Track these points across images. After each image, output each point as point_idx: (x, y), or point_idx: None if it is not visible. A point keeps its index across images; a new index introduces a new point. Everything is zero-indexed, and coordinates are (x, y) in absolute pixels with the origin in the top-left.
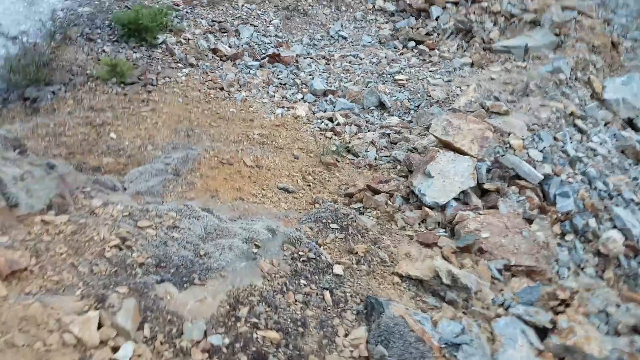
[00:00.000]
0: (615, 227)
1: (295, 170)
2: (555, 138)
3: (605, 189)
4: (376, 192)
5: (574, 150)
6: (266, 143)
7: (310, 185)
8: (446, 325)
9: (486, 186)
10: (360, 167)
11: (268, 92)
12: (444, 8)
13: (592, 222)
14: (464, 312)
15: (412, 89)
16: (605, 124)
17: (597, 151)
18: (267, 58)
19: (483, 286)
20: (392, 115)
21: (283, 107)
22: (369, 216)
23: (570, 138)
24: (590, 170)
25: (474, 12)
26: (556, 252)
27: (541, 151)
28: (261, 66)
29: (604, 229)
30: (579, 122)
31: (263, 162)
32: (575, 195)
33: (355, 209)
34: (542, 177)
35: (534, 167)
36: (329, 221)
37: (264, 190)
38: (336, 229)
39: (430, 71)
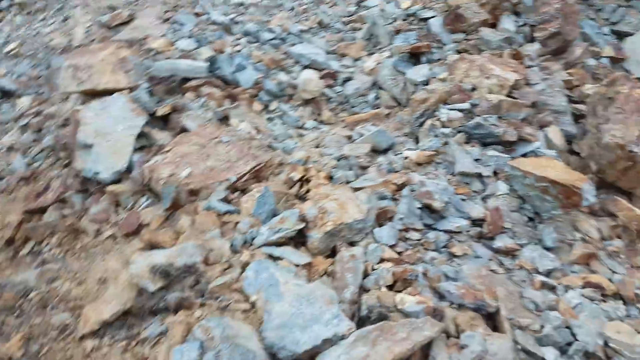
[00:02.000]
0: (305, 67)
1: None
2: (196, 14)
3: (273, 35)
4: (42, 211)
5: (222, 15)
6: None
7: None
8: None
9: (159, 112)
10: (11, 192)
11: None
12: None
13: (282, 76)
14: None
15: (31, 53)
16: None
17: (244, 3)
18: None
19: (214, 241)
20: (21, 97)
21: None
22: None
23: (213, 4)
24: (249, 27)
25: None
26: (270, 129)
27: (190, 37)
28: None
29: (297, 75)
30: None
31: None
32: (250, 60)
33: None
34: (207, 63)
35: (194, 59)
36: None
37: None
38: None
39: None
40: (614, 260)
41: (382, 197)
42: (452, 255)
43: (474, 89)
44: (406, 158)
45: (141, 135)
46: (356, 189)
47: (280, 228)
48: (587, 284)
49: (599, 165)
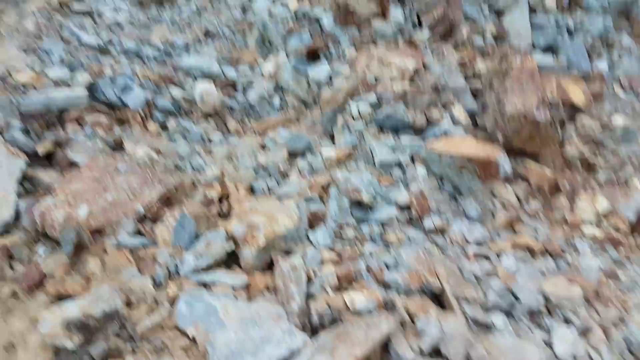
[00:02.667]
0: (198, 79)
1: None
2: (64, 40)
3: (156, 51)
4: None
5: (95, 37)
6: None
7: None
8: None
9: (40, 150)
10: None
11: None
12: None
13: (176, 92)
14: None
15: None
16: None
17: (118, 21)
18: None
19: (132, 280)
20: None
21: None
22: None
23: (81, 27)
24: (128, 45)
25: None
26: (174, 149)
27: (61, 64)
28: None
29: (191, 88)
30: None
31: None
32: (135, 80)
33: None
34: (86, 90)
35: (70, 87)
36: None
37: None
38: None
39: None
40: (535, 220)
41: (311, 201)
42: (389, 244)
43: (377, 81)
44: (325, 158)
45: (25, 179)
46: (282, 197)
47: (207, 252)
48: (516, 246)
49: (505, 135)
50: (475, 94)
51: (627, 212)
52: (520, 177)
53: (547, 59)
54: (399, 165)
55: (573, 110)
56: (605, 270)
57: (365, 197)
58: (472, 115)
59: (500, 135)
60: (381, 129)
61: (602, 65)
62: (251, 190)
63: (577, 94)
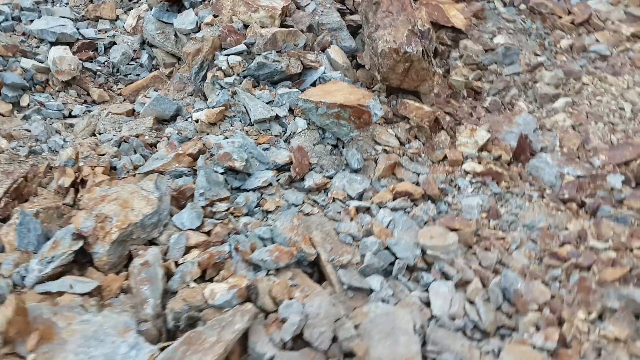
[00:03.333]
0: (52, 44)
1: None
2: None
3: (1, 17)
4: None
5: None
6: None
7: None
8: None
9: None
10: None
11: None
12: None
13: (26, 63)
14: None
15: None
16: None
17: None
18: None
19: None
20: None
21: None
22: None
23: None
24: None
25: None
26: (27, 132)
27: None
28: None
29: (44, 56)
30: None
31: None
32: None
33: None
34: None
35: None
36: None
37: None
38: None
39: None
40: (416, 162)
41: (178, 175)
42: (267, 213)
43: (246, 27)
44: (197, 121)
45: None
46: (146, 174)
47: (53, 256)
48: (396, 195)
49: (381, 73)
50: (354, 29)
51: (509, 139)
52: (401, 117)
53: None
54: (278, 119)
55: (455, 34)
56: (486, 207)
57: (239, 163)
58: (352, 55)
59: (377, 74)
60: (256, 81)
61: None
62: (113, 170)
63: (457, 17)
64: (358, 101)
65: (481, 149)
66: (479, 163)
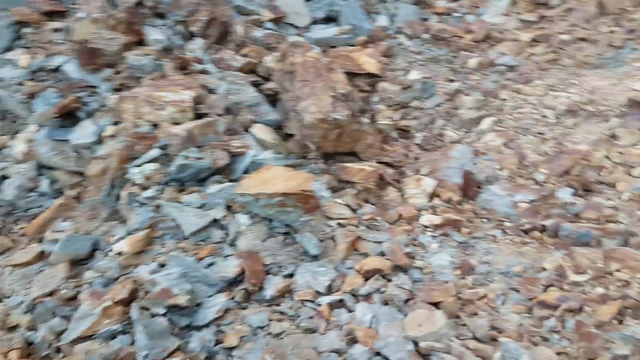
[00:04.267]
0: None
1: None
2: None
3: None
4: None
5: None
6: None
7: None
8: None
9: None
10: None
11: None
12: None
13: None
14: None
15: None
16: None
17: None
18: None
19: None
20: None
21: None
22: None
23: None
24: None
25: None
26: None
27: None
28: None
29: None
30: None
31: None
32: None
33: None
34: None
35: None
36: None
37: None
38: None
39: None
40: (374, 229)
41: (111, 336)
42: (230, 350)
43: (155, 127)
44: (120, 254)
45: None
46: (74, 343)
47: None
48: (366, 275)
49: (314, 143)
50: (273, 98)
51: (452, 175)
52: (345, 182)
53: (331, 30)
54: (216, 223)
55: (372, 79)
56: (457, 262)
57: (182, 298)
58: (280, 126)
59: (310, 143)
60: (181, 185)
61: (382, 20)
62: (32, 345)
63: (369, 62)
64: (300, 187)
65: (431, 197)
66: (434, 213)
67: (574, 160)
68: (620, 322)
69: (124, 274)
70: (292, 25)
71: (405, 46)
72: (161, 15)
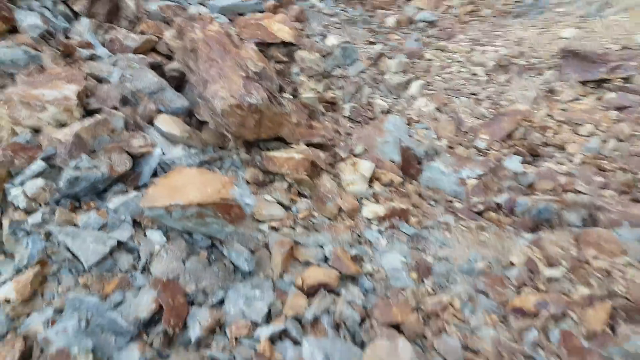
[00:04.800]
0: None
1: None
2: None
3: None
4: None
5: None
6: None
7: None
8: None
9: None
10: None
11: None
12: None
13: None
14: None
15: None
16: None
17: None
18: None
19: None
20: None
21: None
22: None
23: None
24: None
25: None
26: None
27: None
28: None
29: None
30: None
31: None
32: None
33: None
34: None
35: None
36: None
37: None
38: None
39: None
40: (312, 229)
41: None
42: None
43: (37, 134)
44: (7, 301)
45: None
46: None
47: None
48: (309, 292)
49: (231, 133)
50: (179, 81)
51: (388, 152)
52: (273, 174)
53: None
54: (122, 246)
55: (288, 48)
56: (411, 264)
57: (82, 357)
58: (189, 114)
59: (227, 133)
60: (76, 201)
61: None
62: None
63: (282, 30)
64: (219, 194)
65: (370, 182)
66: (377, 202)
67: (515, 121)
68: (613, 329)
69: (13, 328)
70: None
71: (318, 8)
72: None
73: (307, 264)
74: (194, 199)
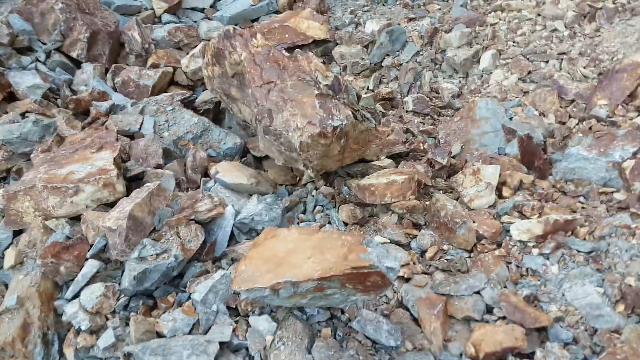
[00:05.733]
0: None
1: None
2: None
3: None
4: None
5: None
6: None
7: None
8: None
9: None
10: None
11: None
12: None
13: None
14: None
15: None
16: None
17: None
18: None
19: None
20: None
21: None
22: None
23: None
24: None
25: None
26: None
27: None
28: None
29: None
30: None
31: None
32: None
33: None
34: None
35: None
36: None
37: None
38: None
39: None
40: (454, 271)
41: None
42: None
43: (76, 222)
44: None
45: None
46: None
47: None
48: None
49: (312, 167)
50: (216, 112)
51: (498, 146)
52: (374, 207)
53: (244, 2)
54: (227, 347)
55: (325, 48)
56: (612, 292)
57: None
58: (244, 151)
59: (305, 167)
60: (150, 299)
61: None
62: None
63: (312, 26)
64: (346, 262)
65: (499, 191)
66: (522, 215)
67: (637, 76)
68: None
69: None
70: (194, 9)
71: None
72: (28, 50)
73: (468, 320)
74: (313, 274)
